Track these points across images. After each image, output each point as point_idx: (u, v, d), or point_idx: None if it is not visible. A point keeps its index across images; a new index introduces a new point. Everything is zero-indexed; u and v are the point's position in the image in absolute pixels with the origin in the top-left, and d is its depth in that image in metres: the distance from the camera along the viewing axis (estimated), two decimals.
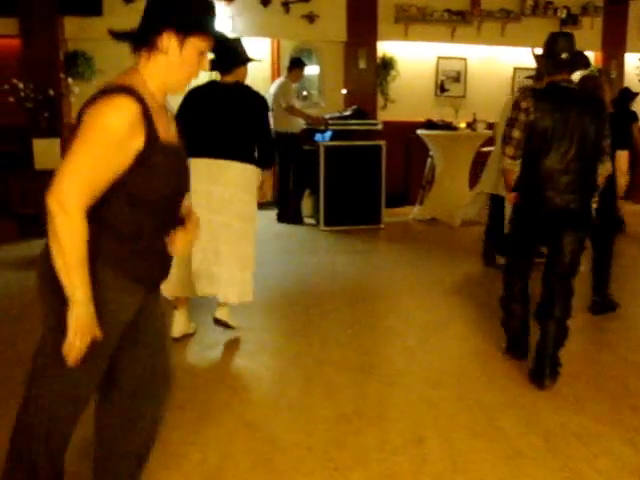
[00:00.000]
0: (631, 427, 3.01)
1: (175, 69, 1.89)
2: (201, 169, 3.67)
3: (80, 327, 1.75)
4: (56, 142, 7.36)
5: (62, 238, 1.71)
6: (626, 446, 2.84)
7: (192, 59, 1.90)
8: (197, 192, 3.24)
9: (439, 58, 9.13)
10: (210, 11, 1.93)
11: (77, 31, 7.87)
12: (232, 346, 4.03)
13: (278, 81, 8.00)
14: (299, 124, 7.85)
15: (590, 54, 9.68)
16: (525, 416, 3.12)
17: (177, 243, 1.98)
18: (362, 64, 8.67)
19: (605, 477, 2.60)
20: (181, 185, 1.99)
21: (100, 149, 1.74)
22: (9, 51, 7.75)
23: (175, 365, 3.55)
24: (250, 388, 3.49)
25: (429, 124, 8.24)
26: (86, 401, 1.97)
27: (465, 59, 9.19)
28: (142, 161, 1.79)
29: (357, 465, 2.67)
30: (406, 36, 8.84)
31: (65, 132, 7.74)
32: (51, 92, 7.35)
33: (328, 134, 7.58)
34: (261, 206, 8.96)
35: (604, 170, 3.58)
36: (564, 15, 9.24)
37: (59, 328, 1.80)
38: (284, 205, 8.01)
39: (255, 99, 4.17)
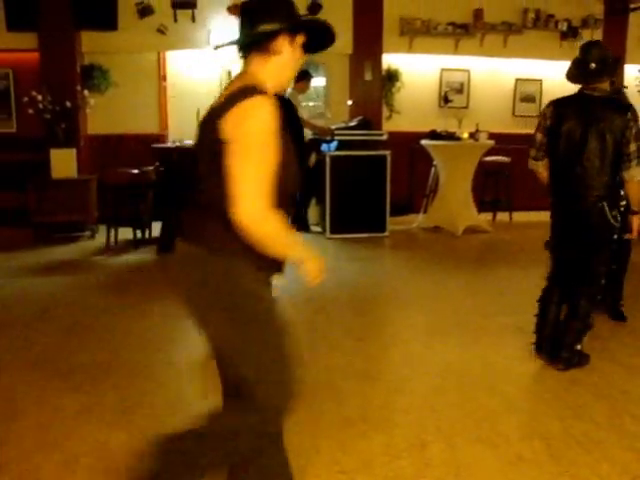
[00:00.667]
0: (632, 433, 3.03)
1: (288, 67, 2.06)
2: None
3: (318, 268, 2.06)
4: (72, 152, 7.63)
5: (269, 238, 1.90)
6: (627, 452, 2.85)
7: (298, 55, 2.07)
8: None
9: (443, 70, 9.34)
10: (292, 8, 2.07)
11: (93, 45, 8.13)
12: None
13: (286, 93, 8.21)
14: (306, 134, 8.07)
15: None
16: (526, 422, 3.16)
17: None
18: (368, 76, 8.88)
19: None
20: (296, 171, 2.08)
21: (264, 151, 1.86)
22: (28, 65, 8.02)
23: (186, 370, 3.73)
24: None
25: (433, 134, 8.43)
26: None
27: (468, 71, 9.38)
28: (281, 151, 1.93)
29: (362, 468, 2.72)
30: (410, 49, 9.07)
31: (81, 142, 8.01)
32: (68, 104, 7.57)
33: (334, 144, 7.75)
34: None
35: (629, 176, 3.62)
36: (565, 28, 9.43)
37: (252, 319, 2.01)
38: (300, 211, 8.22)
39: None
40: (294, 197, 2.14)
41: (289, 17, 2.02)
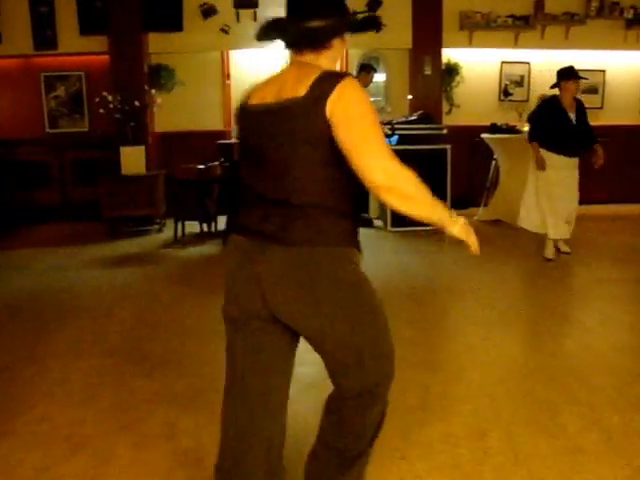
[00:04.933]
0: None
1: (335, 62, 2.09)
2: None
3: (467, 230, 2.00)
4: (141, 149, 7.90)
5: (412, 194, 1.87)
6: None
7: (344, 46, 2.11)
8: None
9: (503, 63, 9.27)
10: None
11: (160, 46, 8.42)
12: (303, 341, 4.17)
13: None
14: None
15: None
16: (586, 413, 3.10)
17: None
18: (427, 70, 8.89)
19: None
20: None
21: (376, 119, 1.88)
22: (99, 67, 8.38)
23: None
24: (321, 380, 3.32)
25: (493, 128, 8.38)
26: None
27: (529, 63, 9.27)
28: None
29: (422, 455, 2.74)
30: (470, 43, 9.03)
31: (149, 140, 8.29)
32: (137, 103, 7.86)
33: (394, 138, 7.80)
34: None
35: None
36: (631, 15, 9.17)
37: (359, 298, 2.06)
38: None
39: None
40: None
41: (340, 13, 2.02)
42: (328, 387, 3.44)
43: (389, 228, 7.82)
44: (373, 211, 8.36)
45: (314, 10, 1.99)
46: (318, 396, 3.34)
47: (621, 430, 2.94)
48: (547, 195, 6.09)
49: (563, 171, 6.00)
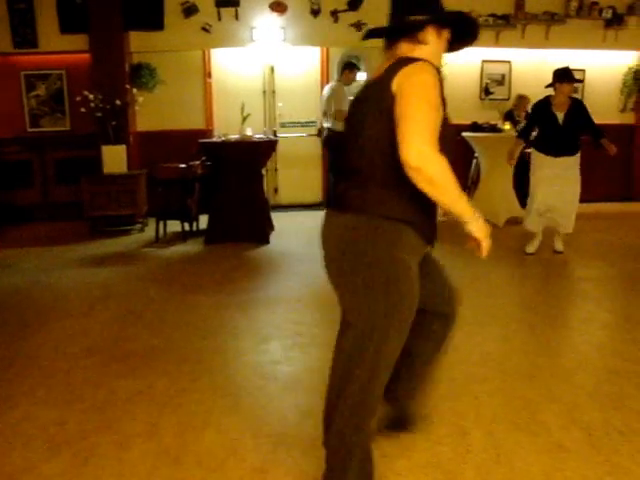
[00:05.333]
0: None
1: (433, 56, 2.18)
2: None
3: (484, 231, 2.11)
4: (122, 148, 7.89)
5: (439, 179, 1.95)
6: None
7: (443, 47, 2.24)
8: None
9: (483, 62, 9.33)
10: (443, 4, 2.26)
11: (141, 44, 8.38)
12: (284, 339, 4.19)
13: (330, 85, 8.32)
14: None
15: (636, 54, 9.76)
16: (567, 411, 3.13)
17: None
18: None
19: None
20: (452, 148, 2.19)
21: (431, 103, 1.99)
22: (80, 65, 8.32)
23: (230, 356, 3.93)
24: (302, 379, 3.59)
25: (474, 126, 8.45)
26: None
27: (509, 62, 9.34)
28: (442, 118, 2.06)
29: (403, 453, 2.76)
30: None
31: (131, 139, 8.26)
32: (118, 102, 7.82)
33: None
34: (311, 207, 9.42)
35: None
36: (609, 15, 9.25)
37: (385, 287, 2.13)
38: None
39: None
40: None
41: (437, 10, 2.19)
42: (307, 385, 3.50)
43: None
44: None
45: (412, 6, 2.18)
46: (297, 394, 3.39)
47: (601, 427, 2.99)
48: (532, 192, 6.34)
49: (549, 170, 6.13)
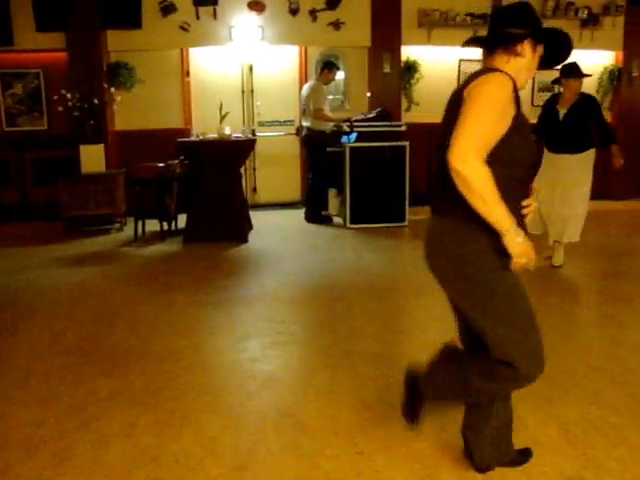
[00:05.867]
0: None
1: (526, 70, 2.31)
2: None
3: (519, 248, 2.16)
4: (101, 148, 7.86)
5: (475, 185, 2.07)
6: None
7: (536, 62, 2.34)
8: None
9: (461, 61, 9.36)
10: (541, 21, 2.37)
11: (118, 43, 8.33)
12: (263, 337, 4.20)
13: (309, 83, 8.33)
14: (331, 124, 8.18)
15: (611, 54, 9.88)
16: (544, 407, 3.15)
17: (530, 208, 2.36)
18: (386, 68, 8.97)
19: (623, 466, 2.64)
20: (534, 155, 2.35)
21: (489, 113, 2.11)
22: (57, 64, 8.25)
23: (209, 355, 3.95)
24: (280, 377, 3.61)
25: None
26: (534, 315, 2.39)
27: None
28: (512, 129, 2.18)
29: (381, 449, 2.77)
30: (429, 40, 9.12)
31: (109, 138, 8.22)
32: (96, 101, 7.78)
33: (353, 136, 7.86)
34: (290, 205, 9.43)
35: None
36: (585, 15, 9.37)
37: (485, 280, 2.27)
38: (312, 205, 8.39)
39: None
40: (529, 175, 2.40)
41: (536, 25, 2.30)
42: (285, 384, 3.52)
43: (348, 225, 7.89)
44: (332, 208, 8.42)
45: (513, 19, 2.29)
46: (276, 392, 3.41)
47: (577, 422, 3.02)
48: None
49: (554, 172, 5.81)
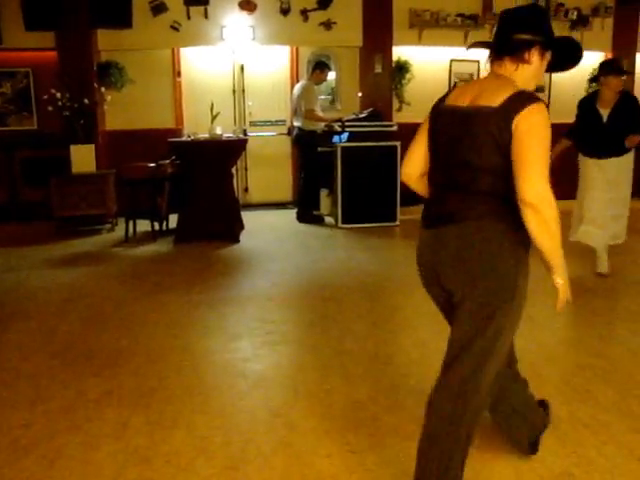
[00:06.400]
0: (638, 416, 3.07)
1: (534, 77, 2.29)
2: None
3: (567, 288, 2.27)
4: (91, 148, 7.81)
5: (551, 225, 2.11)
6: (633, 434, 2.90)
7: (544, 68, 2.32)
8: None
9: (452, 61, 9.40)
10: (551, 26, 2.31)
11: (109, 43, 8.29)
12: (254, 337, 4.20)
13: (301, 83, 8.33)
14: (322, 124, 8.19)
15: (600, 54, 9.93)
16: None
17: None
18: (378, 68, 8.96)
19: (612, 463, 2.66)
20: None
21: (547, 144, 2.11)
22: (47, 63, 8.19)
23: (200, 355, 3.95)
24: (271, 376, 3.62)
25: None
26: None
27: (477, 61, 9.41)
28: None
29: (372, 448, 2.78)
30: (420, 41, 9.14)
31: (99, 138, 8.18)
32: (86, 101, 7.73)
33: (345, 136, 7.87)
34: (281, 205, 9.43)
35: None
36: (575, 16, 9.42)
37: (512, 300, 2.26)
38: (304, 205, 8.39)
39: None
40: None
41: (545, 32, 2.25)
42: (277, 384, 3.52)
43: (340, 225, 7.90)
44: (324, 208, 8.43)
45: (519, 23, 2.24)
46: (267, 392, 3.41)
47: (567, 420, 3.04)
48: (580, 199, 5.66)
49: (600, 175, 5.44)
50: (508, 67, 2.26)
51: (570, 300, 2.31)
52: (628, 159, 5.52)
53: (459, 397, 2.26)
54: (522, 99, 2.13)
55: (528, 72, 2.26)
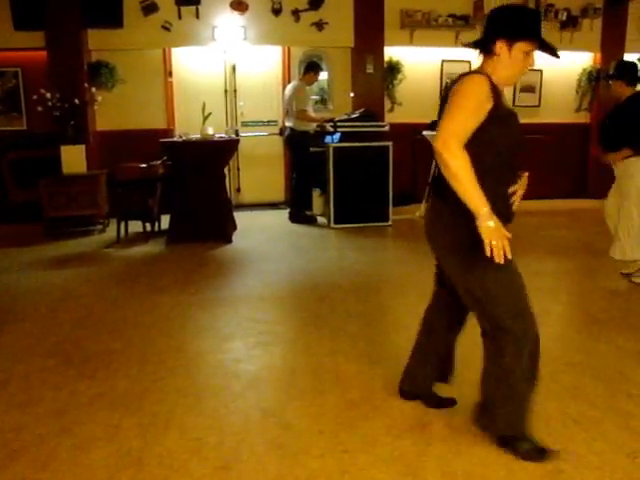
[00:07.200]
0: (627, 412, 3.09)
1: (505, 68, 2.54)
2: None
3: (492, 233, 2.38)
4: (82, 148, 7.78)
5: (453, 167, 2.36)
6: (622, 430, 2.92)
7: (518, 60, 2.53)
8: None
9: (444, 61, 9.45)
10: (532, 19, 2.56)
11: (100, 42, 8.28)
12: (247, 337, 4.21)
13: (292, 84, 8.33)
14: (314, 124, 8.20)
15: (590, 55, 10.01)
16: None
17: (517, 195, 2.67)
18: (369, 69, 9.00)
19: (602, 459, 2.68)
20: (518, 142, 2.61)
21: (468, 107, 2.42)
22: (37, 63, 8.17)
23: (193, 356, 3.92)
24: (263, 377, 3.62)
25: (434, 125, 8.52)
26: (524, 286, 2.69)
27: (469, 62, 9.41)
28: (492, 120, 2.46)
29: (365, 448, 2.79)
30: (411, 41, 9.18)
31: (90, 138, 8.15)
32: (76, 101, 7.72)
33: (337, 136, 7.87)
34: (274, 206, 9.44)
35: None
36: (564, 17, 9.49)
37: (462, 247, 2.57)
38: (296, 205, 8.39)
39: None
40: (514, 170, 2.66)
41: (507, 26, 2.51)
42: (269, 384, 3.52)
43: (332, 225, 7.90)
44: (316, 208, 8.43)
45: (488, 22, 2.59)
46: (260, 392, 3.40)
47: (557, 417, 3.06)
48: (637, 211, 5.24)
49: None
50: (485, 60, 2.59)
51: (502, 246, 2.40)
52: None
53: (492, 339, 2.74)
54: (464, 74, 2.52)
55: (498, 63, 2.53)
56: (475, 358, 3.01)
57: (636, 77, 5.28)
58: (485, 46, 2.57)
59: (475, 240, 2.42)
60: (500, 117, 2.49)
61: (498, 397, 2.71)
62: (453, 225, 2.60)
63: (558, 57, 2.62)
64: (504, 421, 2.72)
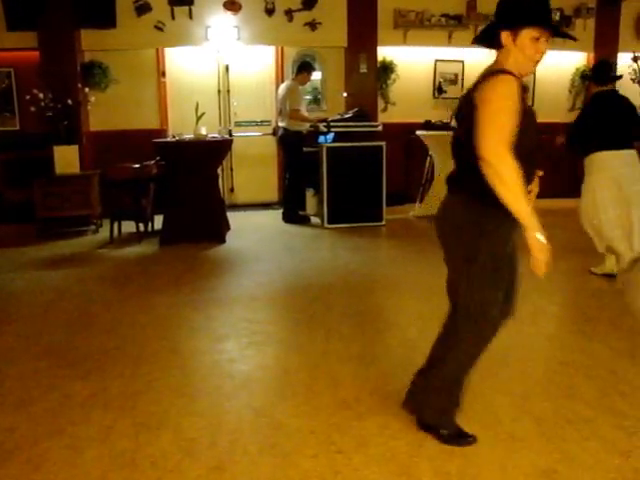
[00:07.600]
0: (620, 412, 3.09)
1: (515, 59, 2.48)
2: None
3: (541, 246, 2.35)
4: (75, 148, 7.76)
5: (506, 177, 2.30)
6: (616, 429, 2.92)
7: (526, 48, 2.46)
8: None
9: (437, 61, 9.45)
10: (533, 4, 2.47)
11: (93, 42, 8.25)
12: (240, 338, 4.20)
13: (286, 84, 8.32)
14: (307, 124, 8.19)
15: (583, 55, 10.03)
16: (518, 402, 3.20)
17: (533, 194, 2.64)
18: (363, 68, 9.00)
19: (595, 459, 2.68)
20: (536, 140, 2.55)
21: (505, 110, 2.34)
22: (29, 63, 8.14)
23: (187, 356, 3.93)
24: (257, 377, 3.62)
25: (427, 125, 8.56)
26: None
27: (462, 62, 9.48)
28: (520, 121, 2.38)
29: (358, 448, 2.79)
30: (405, 41, 9.18)
31: (83, 139, 8.12)
32: (69, 101, 7.70)
33: (330, 136, 7.87)
34: (267, 206, 9.44)
35: None
36: (557, 17, 9.49)
37: (479, 258, 2.55)
38: (290, 205, 8.39)
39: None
40: (533, 169, 2.60)
41: (508, 15, 2.47)
42: (263, 384, 3.52)
43: (325, 225, 7.90)
44: (310, 208, 8.43)
45: (495, 14, 2.53)
46: (253, 392, 3.41)
47: (551, 417, 3.06)
48: None
49: None
50: (498, 54, 2.53)
51: (546, 261, 2.37)
52: None
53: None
54: (487, 74, 2.44)
55: (510, 54, 2.47)
56: None
57: (605, 76, 5.41)
58: (493, 39, 2.52)
59: (489, 242, 2.48)
60: (523, 115, 2.43)
61: (436, 384, 2.82)
62: (469, 222, 2.58)
63: (575, 39, 2.61)
64: (435, 409, 2.84)
